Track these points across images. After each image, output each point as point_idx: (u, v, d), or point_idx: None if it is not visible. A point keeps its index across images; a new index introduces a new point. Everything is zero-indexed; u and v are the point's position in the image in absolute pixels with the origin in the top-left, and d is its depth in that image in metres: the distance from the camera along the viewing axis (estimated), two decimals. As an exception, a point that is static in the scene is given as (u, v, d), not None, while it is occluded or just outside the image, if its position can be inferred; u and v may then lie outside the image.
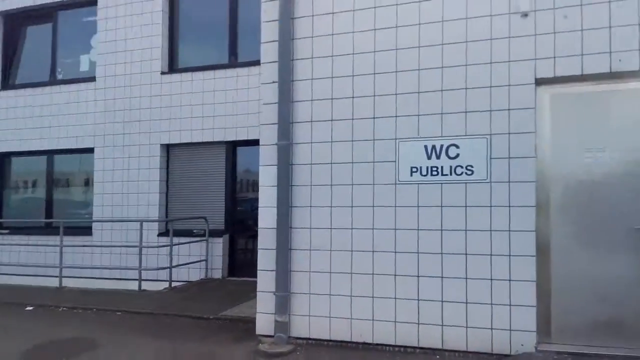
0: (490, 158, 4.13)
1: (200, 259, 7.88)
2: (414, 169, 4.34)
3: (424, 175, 4.31)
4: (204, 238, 7.84)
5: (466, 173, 4.19)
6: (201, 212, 8.12)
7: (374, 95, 4.50)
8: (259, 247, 4.77)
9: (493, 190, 4.11)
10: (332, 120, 4.62)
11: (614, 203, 3.94)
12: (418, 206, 4.32)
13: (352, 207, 4.51)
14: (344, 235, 4.51)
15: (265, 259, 4.71)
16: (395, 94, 4.44)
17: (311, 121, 4.68)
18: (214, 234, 7.95)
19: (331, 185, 4.58)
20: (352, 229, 4.50)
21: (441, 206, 4.25)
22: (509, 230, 4.05)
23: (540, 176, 4.12)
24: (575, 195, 4.05)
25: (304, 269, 4.61)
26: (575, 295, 4.00)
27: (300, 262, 4.62)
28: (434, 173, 4.28)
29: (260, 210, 4.78)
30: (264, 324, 4.67)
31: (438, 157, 4.28)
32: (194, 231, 8.08)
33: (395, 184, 4.39)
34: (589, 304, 3.96)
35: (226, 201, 8.10)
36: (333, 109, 4.61)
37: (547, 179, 4.13)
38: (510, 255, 4.05)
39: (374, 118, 4.49)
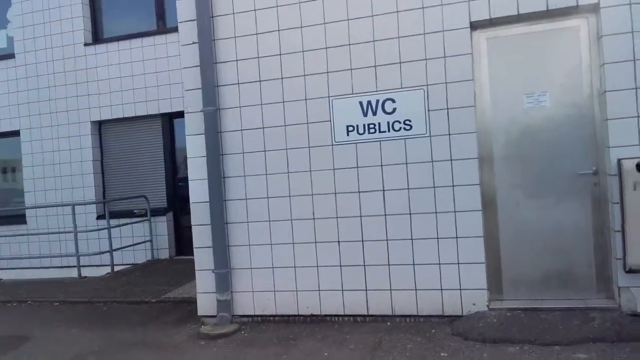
0: (429, 110, 3.89)
1: (144, 240, 7.49)
2: (350, 128, 4.07)
3: (361, 134, 4.05)
4: (145, 218, 7.44)
5: (404, 128, 3.95)
6: (141, 190, 7.69)
7: (303, 51, 4.16)
8: (192, 223, 4.46)
9: (433, 144, 3.89)
10: (260, 81, 4.27)
11: (558, 149, 3.78)
12: (357, 167, 4.06)
13: (288, 173, 4.22)
14: (283, 204, 4.23)
15: (201, 236, 4.40)
16: (326, 48, 4.11)
17: (238, 83, 4.32)
18: (157, 212, 7.56)
19: (265, 151, 4.27)
20: (290, 196, 4.22)
21: (381, 165, 4.01)
22: (453, 186, 3.86)
23: (481, 126, 3.93)
24: (518, 144, 3.87)
25: (243, 242, 4.33)
26: (525, 248, 3.87)
27: (239, 235, 4.34)
28: (372, 131, 4.02)
29: (190, 183, 4.44)
30: (206, 304, 4.39)
31: (374, 114, 4.01)
32: (135, 211, 7.67)
33: (332, 145, 4.12)
34: (539, 256, 3.84)
35: (167, 177, 7.69)
36: (260, 68, 4.26)
37: (489, 128, 3.93)
38: (455, 212, 3.86)
39: (304, 75, 4.17)
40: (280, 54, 4.22)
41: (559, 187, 3.78)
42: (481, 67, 3.92)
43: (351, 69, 4.06)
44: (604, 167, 3.66)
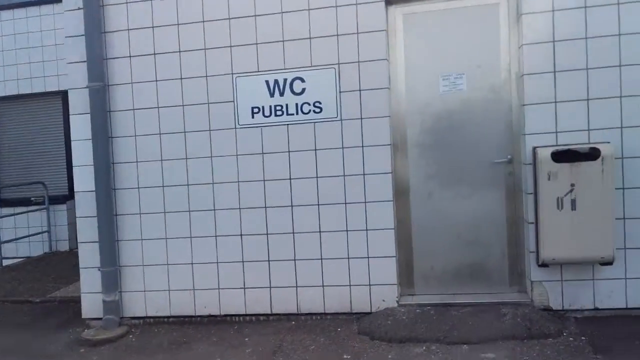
0: (340, 92, 3.60)
1: (42, 231, 6.83)
2: (256, 110, 3.71)
3: (267, 117, 3.70)
4: (43, 206, 6.77)
5: (314, 111, 3.64)
6: (39, 176, 6.99)
7: (203, 21, 3.75)
8: (77, 214, 3.97)
9: (345, 129, 3.61)
10: (154, 54, 3.82)
11: (474, 136, 3.60)
12: (263, 153, 3.72)
13: (186, 159, 3.82)
14: (180, 194, 3.83)
15: (86, 229, 3.93)
16: (229, 19, 3.72)
17: (130, 56, 3.85)
18: (56, 200, 6.90)
19: (160, 134, 3.84)
20: (188, 185, 3.82)
21: (289, 151, 3.69)
22: (364, 174, 3.60)
23: (395, 111, 3.69)
24: (433, 130, 3.66)
25: (135, 237, 3.90)
26: (438, 241, 3.68)
27: (130, 229, 3.90)
28: (279, 113, 3.69)
29: (74, 170, 3.95)
30: (91, 305, 3.94)
31: (282, 94, 3.68)
32: (32, 199, 6.97)
33: (236, 128, 3.75)
34: (453, 249, 3.66)
35: (68, 162, 7.01)
36: (156, 39, 3.81)
37: (403, 113, 3.70)
38: (365, 202, 3.61)
39: (204, 49, 3.76)
40: (177, 24, 3.80)
41: (475, 177, 3.61)
42: (396, 46, 3.67)
43: (257, 44, 3.70)
44: (520, 155, 3.52)
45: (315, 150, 3.65)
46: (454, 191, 3.64)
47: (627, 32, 3.28)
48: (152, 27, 3.81)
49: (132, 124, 3.87)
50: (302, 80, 3.64)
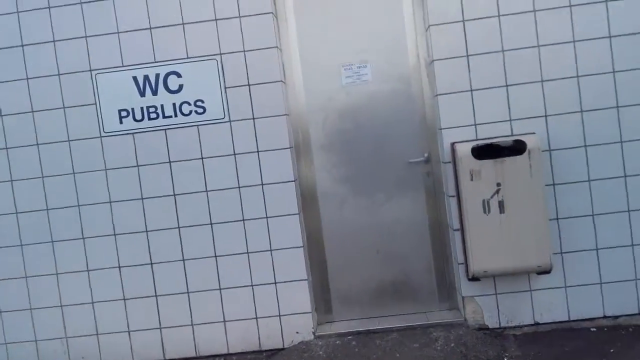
0: (226, 88, 3.03)
1: None
2: (124, 113, 3.08)
3: (139, 121, 3.08)
4: None
5: (196, 112, 3.05)
6: None
7: (49, 7, 3.06)
8: None
9: (235, 131, 3.05)
10: (-11, 48, 3.09)
11: (385, 134, 3.15)
12: (138, 165, 3.10)
13: (42, 177, 3.14)
14: (38, 220, 3.15)
15: None
16: (81, 3, 3.05)
17: (-43, 53, 3.10)
18: None
19: (6, 148, 3.13)
20: (47, 209, 3.15)
21: (169, 162, 3.09)
22: (262, 184, 3.06)
23: (294, 107, 3.17)
24: (339, 128, 3.18)
25: (-16, 278, 3.19)
26: (355, 256, 3.22)
27: (-24, 269, 3.18)
28: (153, 116, 3.07)
29: None
30: None
31: (155, 92, 3.06)
32: None
33: (101, 136, 3.10)
34: (373, 264, 3.22)
35: None
36: (-12, 31, 3.08)
37: (303, 110, 3.19)
38: (267, 217, 3.08)
39: (54, 41, 3.07)
40: (17, 11, 3.08)
41: (390, 180, 3.16)
42: (289, 32, 3.15)
43: (118, 32, 3.05)
44: (437, 152, 3.10)
45: (202, 158, 3.07)
46: (369, 198, 3.18)
47: (543, 8, 2.90)
48: (-17, 14, 3.08)
49: (-32, 139, 3.13)
50: (178, 75, 3.04)
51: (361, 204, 3.18)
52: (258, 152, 3.04)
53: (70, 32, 3.06)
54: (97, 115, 3.09)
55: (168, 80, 3.05)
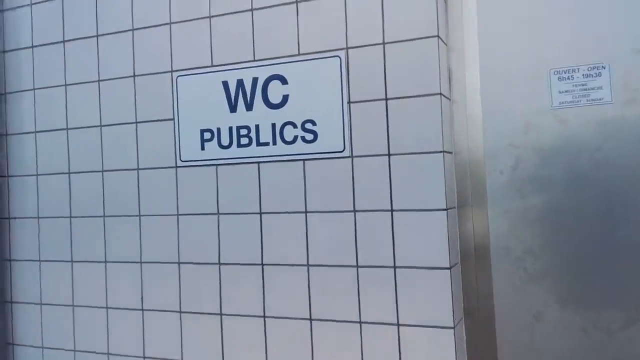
0: (349, 102, 1.98)
1: None
2: (208, 135, 2.22)
3: (226, 147, 2.19)
4: None
5: (303, 138, 2.05)
6: None
7: (130, -16, 2.37)
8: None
9: (358, 174, 1.98)
10: (63, 41, 2.51)
11: (628, 199, 1.76)
12: (218, 213, 2.21)
13: (104, 217, 2.44)
14: (91, 275, 2.46)
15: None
16: (167, -23, 2.30)
17: (33, 46, 2.59)
18: None
19: (69, 173, 2.51)
20: (105, 262, 2.43)
21: (260, 213, 2.14)
22: (394, 266, 1.92)
23: (461, 140, 2.00)
24: (540, 181, 1.89)
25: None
26: None
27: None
28: (244, 141, 2.16)
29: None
30: None
31: (249, 106, 2.14)
32: None
33: (177, 166, 2.29)
34: None
35: None
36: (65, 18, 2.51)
37: (477, 146, 1.98)
38: (398, 325, 1.93)
39: (132, 30, 2.37)
40: (98, -7, 2.45)
41: (637, 285, 1.76)
42: (462, 13, 1.99)
43: (210, 17, 2.22)
44: None
45: (306, 212, 2.06)
46: (592, 316, 1.81)
47: None
48: (61, -2, 2.51)
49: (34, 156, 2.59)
50: (283, 80, 2.08)
51: (575, 324, 1.83)
52: (392, 210, 1.92)
53: (152, 18, 2.32)
54: (174, 136, 2.28)
55: (269, 89, 2.10)
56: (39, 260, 2.59)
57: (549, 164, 1.85)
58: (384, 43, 1.92)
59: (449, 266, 1.84)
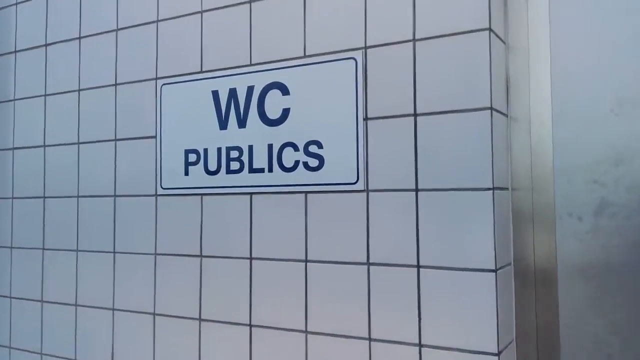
0: (366, 118, 1.46)
1: None
2: (193, 157, 1.76)
3: (213, 173, 1.72)
4: None
5: (307, 165, 1.55)
6: None
7: (115, -25, 1.97)
8: None
9: (374, 213, 1.45)
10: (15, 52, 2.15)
11: None
12: (201, 256, 1.73)
13: (77, 251, 2.01)
14: (64, 314, 2.03)
15: None
16: (155, -35, 1.88)
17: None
18: None
19: (43, 197, 2.11)
20: (76, 305, 2.00)
21: (250, 258, 1.64)
22: (419, 344, 1.37)
23: (521, 174, 1.44)
24: (634, 229, 1.31)
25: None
26: None
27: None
28: (234, 166, 1.68)
29: None
30: None
31: (242, 123, 1.67)
32: None
33: (157, 194, 1.84)
34: None
35: None
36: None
37: (545, 182, 1.42)
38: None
39: (116, 30, 1.96)
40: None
41: None
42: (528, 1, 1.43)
43: (202, 11, 1.77)
44: None
45: (306, 261, 1.54)
46: None
47: None
48: (44, -5, 2.14)
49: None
50: (284, 89, 1.59)
51: None
52: (419, 266, 1.37)
53: (138, 14, 1.90)
54: (156, 158, 1.83)
55: (266, 100, 1.62)
56: (10, 297, 2.19)
57: (649, 210, 1.26)
58: (414, 40, 1.40)
59: (497, 351, 1.26)
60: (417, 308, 1.36)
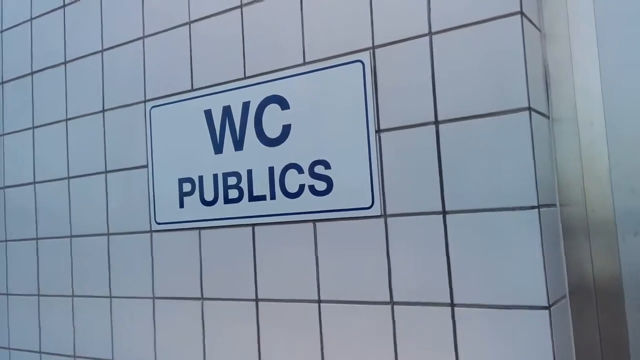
0: (379, 130, 1.23)
1: None
2: (187, 186, 1.56)
3: (210, 203, 1.50)
4: None
5: (313, 188, 1.32)
6: None
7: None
8: None
9: (394, 243, 1.20)
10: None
11: None
12: (203, 298, 1.52)
13: (73, 297, 1.82)
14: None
15: None
16: (138, -23, 1.70)
17: (-3, 84, 2.08)
18: None
19: (37, 239, 1.94)
20: (74, 356, 1.80)
21: (256, 299, 1.42)
22: (461, 400, 1.12)
23: (573, 194, 1.17)
24: None
25: None
26: None
27: None
28: (233, 194, 1.46)
29: None
30: None
31: (239, 144, 1.45)
32: None
33: (151, 231, 1.63)
34: None
35: None
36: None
37: (603, 202, 1.15)
38: None
39: (102, 51, 1.78)
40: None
41: None
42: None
43: (190, 22, 1.57)
44: None
45: (319, 302, 1.31)
46: None
47: None
48: None
49: (-4, 219, 2.04)
50: (284, 103, 1.38)
51: None
52: (453, 305, 1.12)
53: (124, 32, 1.71)
54: (149, 190, 1.63)
55: (264, 117, 1.40)
56: (9, 348, 2.01)
57: None
58: (430, 33, 1.17)
59: None
60: (454, 356, 1.11)
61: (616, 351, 1.09)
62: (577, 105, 1.15)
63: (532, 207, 1.04)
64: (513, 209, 1.05)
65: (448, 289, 1.12)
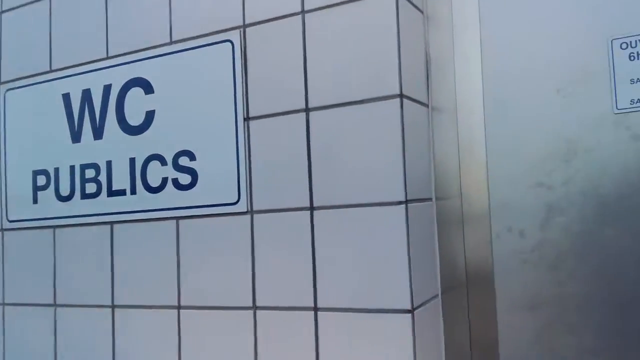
0: (247, 118, 1.11)
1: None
2: (42, 180, 1.37)
3: (66, 199, 1.32)
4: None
5: (176, 182, 1.18)
6: None
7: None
8: None
9: (260, 240, 1.08)
10: None
11: None
12: (55, 305, 1.33)
13: None
14: None
15: None
16: (-6, -58, 1.50)
17: None
18: None
19: None
20: None
21: (112, 305, 1.25)
22: (326, 414, 1.01)
23: (445, 182, 1.10)
24: (594, 245, 0.99)
25: None
26: None
27: None
28: (90, 189, 1.29)
29: None
30: None
31: (99, 133, 1.29)
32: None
33: (3, 229, 1.43)
34: None
35: None
36: None
37: (476, 183, 1.09)
38: None
39: (-52, 27, 1.55)
40: None
41: None
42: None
43: (48, -3, 1.40)
44: None
45: (179, 307, 1.16)
46: None
47: None
48: None
49: None
50: (148, 86, 1.23)
51: None
52: (316, 309, 1.02)
53: (-24, 7, 1.51)
54: (0, 182, 1.43)
55: (126, 101, 1.25)
56: None
57: (613, 216, 0.94)
58: (303, 11, 1.07)
59: None
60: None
61: (485, 353, 1.02)
62: (456, 93, 1.08)
63: (399, 203, 0.95)
64: (380, 204, 0.96)
65: (312, 291, 1.01)
